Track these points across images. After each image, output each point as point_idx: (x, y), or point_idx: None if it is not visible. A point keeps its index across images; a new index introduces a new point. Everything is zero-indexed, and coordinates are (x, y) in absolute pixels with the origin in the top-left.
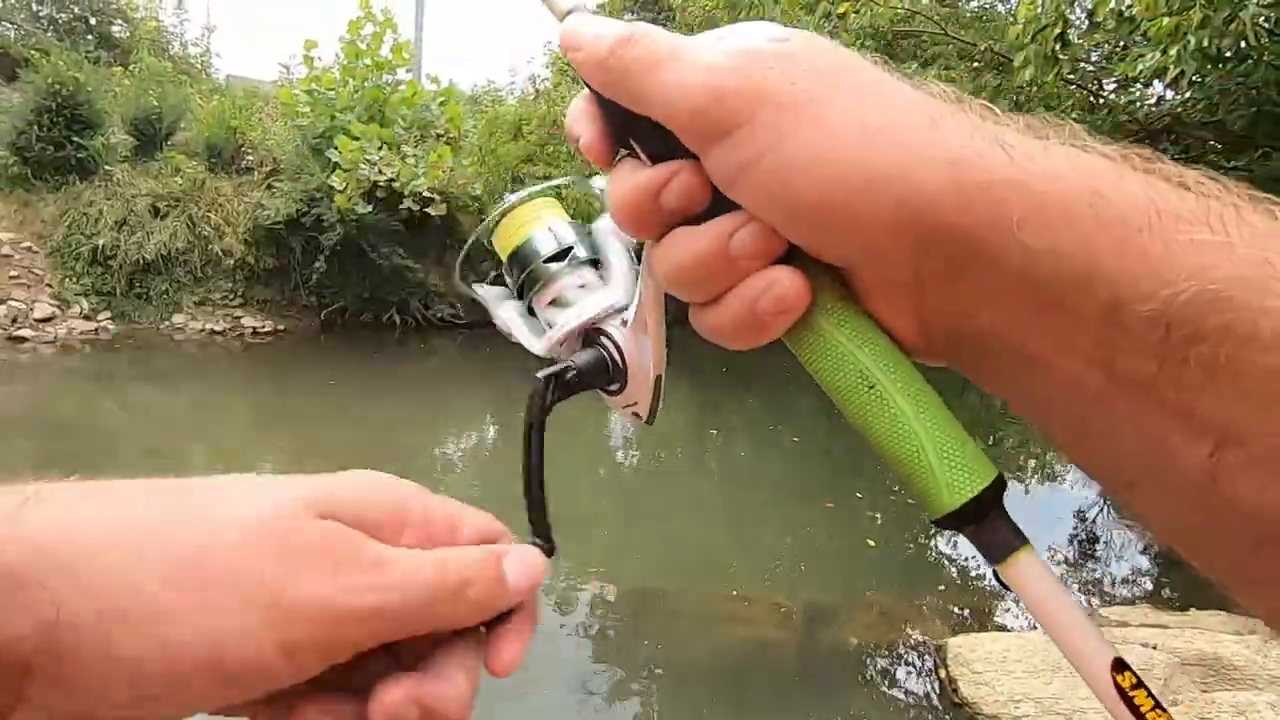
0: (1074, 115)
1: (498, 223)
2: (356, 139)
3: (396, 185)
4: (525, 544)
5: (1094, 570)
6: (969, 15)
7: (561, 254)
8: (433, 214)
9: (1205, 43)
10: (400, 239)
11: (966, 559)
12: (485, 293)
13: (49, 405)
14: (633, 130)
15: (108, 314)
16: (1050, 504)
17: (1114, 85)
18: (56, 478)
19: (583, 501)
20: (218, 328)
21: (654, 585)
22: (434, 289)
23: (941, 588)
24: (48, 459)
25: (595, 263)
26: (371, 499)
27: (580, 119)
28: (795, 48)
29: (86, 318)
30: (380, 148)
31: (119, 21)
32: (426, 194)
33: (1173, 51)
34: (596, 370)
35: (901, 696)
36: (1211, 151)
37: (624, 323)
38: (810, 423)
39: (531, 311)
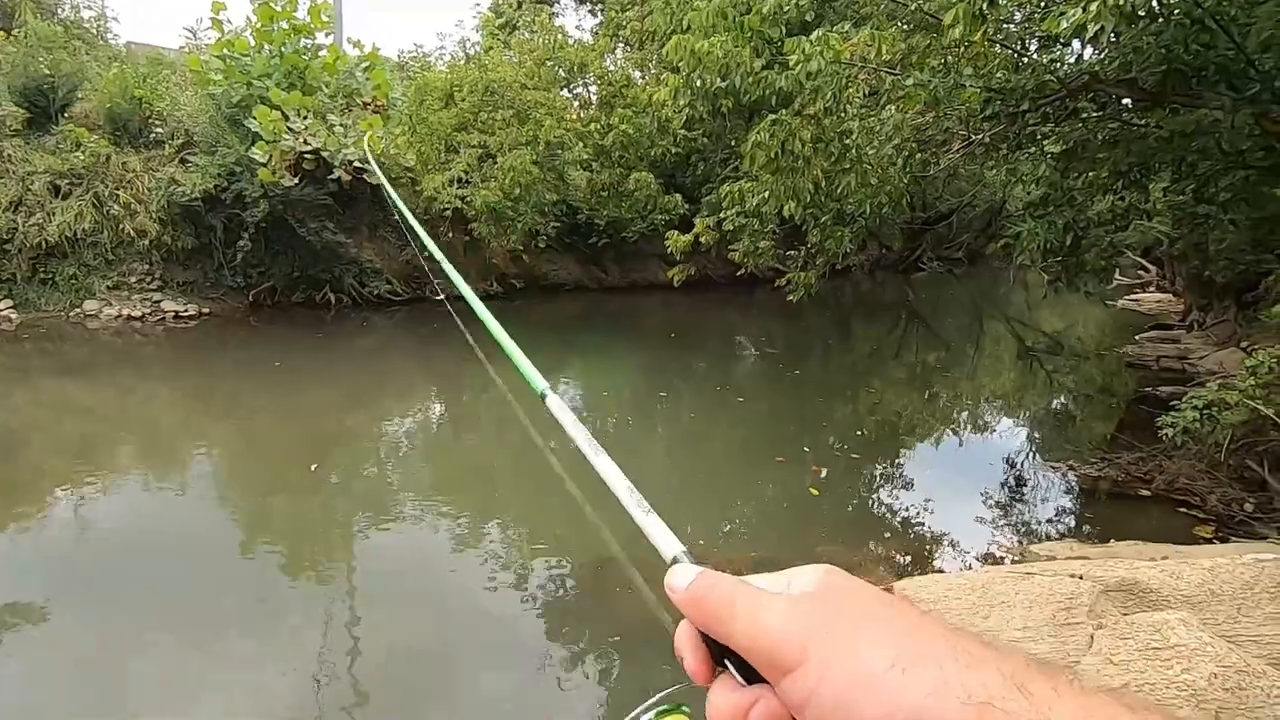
0: (999, 74)
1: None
2: (276, 108)
3: (325, 156)
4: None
5: (1023, 511)
6: None
7: None
8: (368, 180)
9: (1122, 0)
10: (330, 213)
11: (908, 508)
12: None
13: None
14: (726, 652)
15: (9, 302)
16: (982, 452)
17: (1036, 45)
18: None
19: (534, 475)
20: (135, 313)
21: (606, 555)
22: (369, 265)
23: (887, 535)
24: None
25: None
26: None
27: (684, 645)
28: (836, 595)
29: None
30: (304, 117)
31: None
32: (357, 164)
33: (1092, 8)
34: None
35: None
36: (1125, 109)
37: None
38: (755, 384)
39: None
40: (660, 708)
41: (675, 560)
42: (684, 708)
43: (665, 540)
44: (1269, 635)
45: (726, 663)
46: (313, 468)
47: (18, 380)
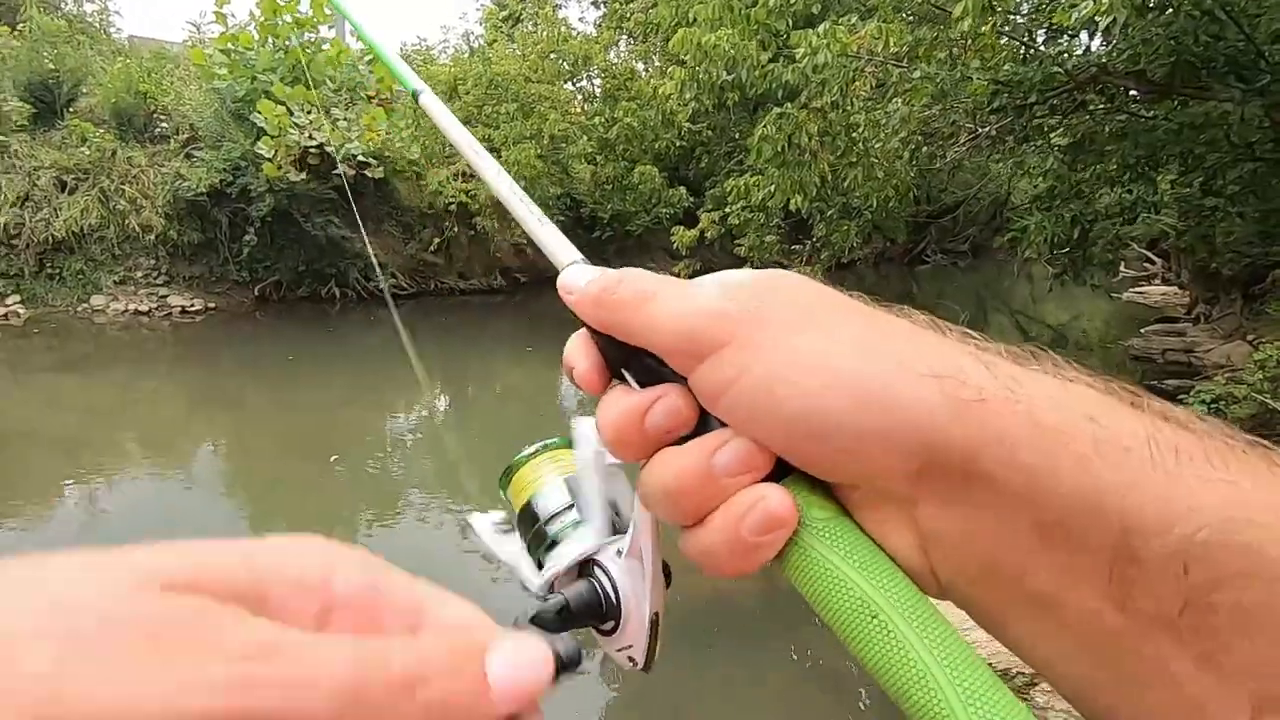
0: (1006, 67)
1: (507, 483)
2: (281, 102)
3: (329, 150)
4: (527, 635)
5: None
6: None
7: (562, 512)
8: (371, 175)
9: None
10: (335, 208)
11: None
12: (481, 531)
13: None
14: (624, 361)
15: (17, 297)
16: None
17: (1044, 37)
18: None
19: None
20: (142, 308)
21: None
22: (373, 259)
23: None
24: None
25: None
26: (279, 566)
27: (576, 353)
28: (778, 282)
29: None
30: (308, 111)
31: None
32: (361, 158)
33: (1105, 1)
34: (589, 604)
35: None
36: (1134, 101)
37: (619, 553)
38: None
39: (540, 565)
40: (533, 448)
41: (572, 263)
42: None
43: (561, 248)
44: None
45: (624, 373)
46: (332, 459)
47: (26, 375)
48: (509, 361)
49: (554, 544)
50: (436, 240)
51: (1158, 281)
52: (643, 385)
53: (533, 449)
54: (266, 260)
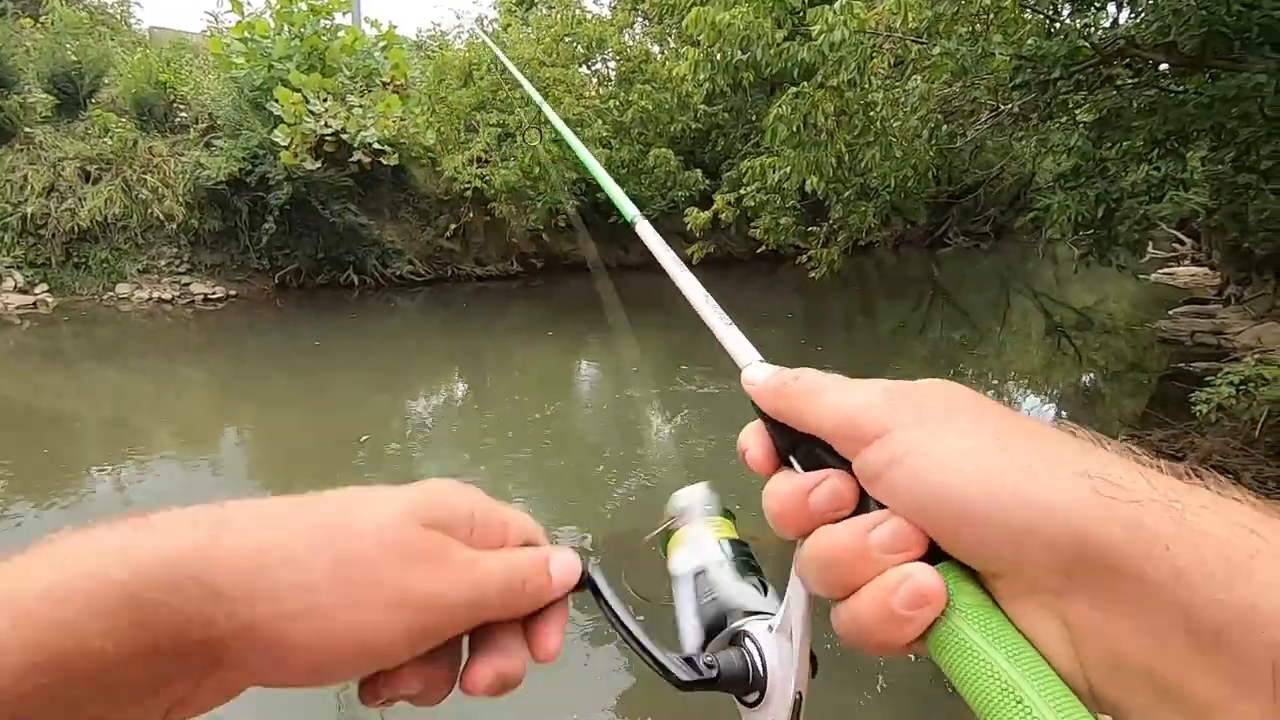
0: (1030, 41)
1: (667, 539)
2: (297, 90)
3: (345, 138)
4: (563, 548)
5: None
6: None
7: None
8: (386, 163)
9: None
10: (352, 195)
11: None
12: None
13: None
14: (792, 448)
15: (45, 286)
16: None
17: (1069, 10)
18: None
19: (554, 451)
20: (165, 296)
21: (619, 530)
22: (391, 246)
23: None
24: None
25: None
26: (453, 506)
27: (751, 439)
28: (938, 386)
29: (22, 291)
30: (324, 99)
31: None
32: (377, 146)
33: None
34: (737, 675)
35: None
36: (1163, 75)
37: (770, 628)
38: (776, 361)
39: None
40: (709, 516)
41: (752, 363)
42: (729, 515)
43: (743, 349)
44: None
45: (791, 459)
46: (362, 439)
47: (57, 362)
48: (531, 346)
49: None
50: (453, 226)
51: (1187, 262)
52: (806, 469)
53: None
54: (286, 248)
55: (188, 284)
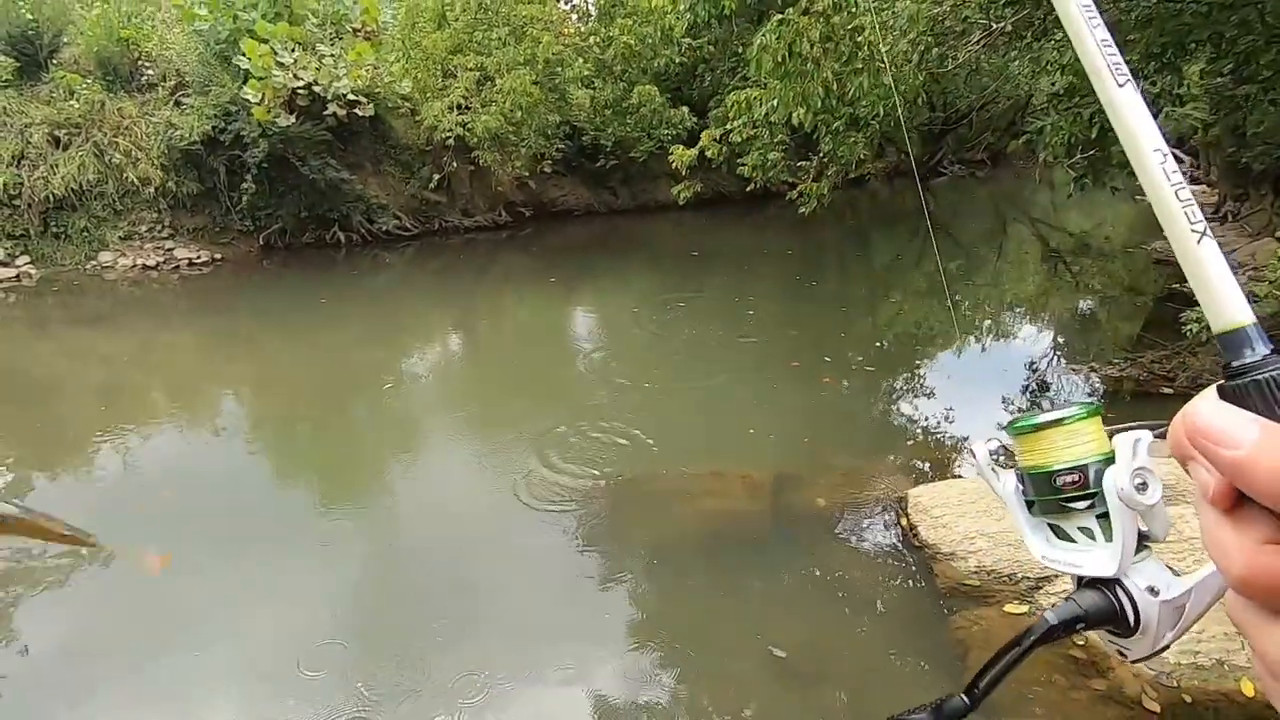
0: None
1: (1028, 432)
2: (264, 41)
3: (318, 90)
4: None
5: None
6: None
7: (1083, 496)
8: (362, 115)
9: None
10: (331, 150)
11: (929, 417)
12: (980, 458)
13: None
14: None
15: (26, 257)
16: (1004, 359)
17: None
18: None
19: (557, 404)
20: (149, 262)
21: (632, 473)
22: (375, 201)
23: (909, 444)
24: None
25: (1105, 515)
26: None
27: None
28: None
29: (3, 264)
30: (293, 49)
31: None
32: (352, 97)
33: None
34: (1104, 615)
35: (868, 547)
36: None
37: (1152, 591)
38: (771, 299)
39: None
40: (1076, 410)
41: (1243, 338)
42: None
43: (1234, 296)
44: None
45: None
46: (386, 386)
47: (44, 333)
48: (533, 295)
49: (1060, 513)
50: (436, 177)
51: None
52: None
53: (1064, 414)
54: (268, 208)
55: (171, 249)
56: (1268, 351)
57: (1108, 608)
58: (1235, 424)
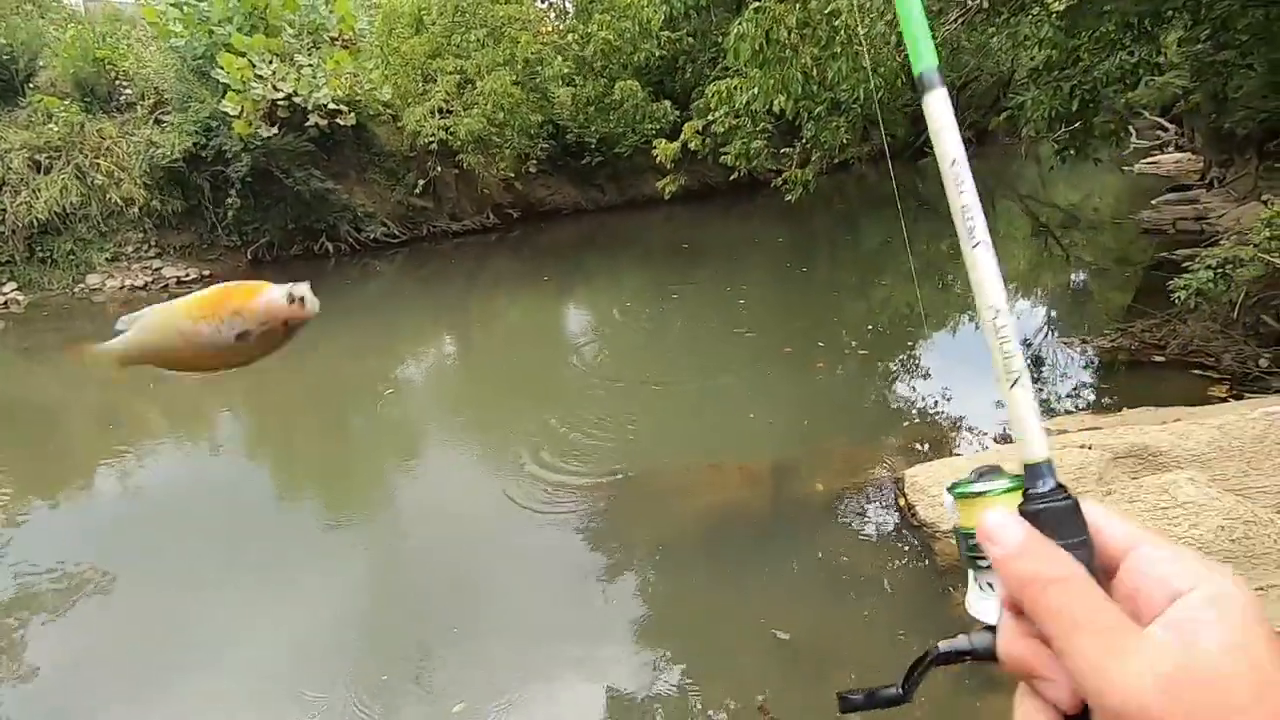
0: None
1: (968, 499)
2: (242, 54)
3: (298, 100)
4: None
5: (1039, 390)
6: None
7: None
8: (344, 124)
9: None
10: (314, 160)
11: (923, 398)
12: (948, 506)
13: None
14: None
15: (14, 284)
16: None
17: None
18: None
19: (553, 403)
20: (138, 283)
21: (630, 469)
22: (362, 209)
23: (904, 424)
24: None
25: None
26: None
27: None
28: (1225, 675)
29: None
30: (270, 61)
31: None
32: (333, 106)
33: None
34: (989, 654)
35: (869, 529)
36: None
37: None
38: (763, 285)
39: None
40: (1004, 484)
41: (1039, 471)
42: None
43: (1034, 436)
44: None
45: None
46: (387, 392)
47: (38, 359)
48: (525, 295)
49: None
50: (422, 183)
51: (1170, 149)
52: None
53: (1005, 486)
54: (254, 221)
55: (159, 268)
56: (1054, 485)
57: (992, 648)
58: (1005, 528)
